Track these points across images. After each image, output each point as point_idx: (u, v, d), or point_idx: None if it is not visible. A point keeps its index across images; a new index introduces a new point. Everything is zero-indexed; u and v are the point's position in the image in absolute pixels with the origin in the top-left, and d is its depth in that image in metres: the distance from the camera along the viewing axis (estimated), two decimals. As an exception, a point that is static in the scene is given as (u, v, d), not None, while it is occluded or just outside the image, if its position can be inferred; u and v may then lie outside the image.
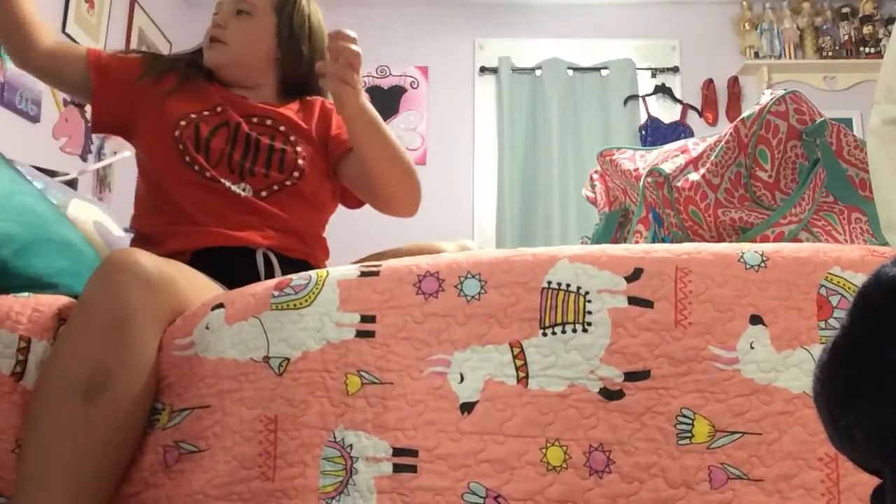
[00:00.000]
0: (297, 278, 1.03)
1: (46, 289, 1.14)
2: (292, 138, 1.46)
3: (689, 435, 0.93)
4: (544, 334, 0.97)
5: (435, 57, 4.17)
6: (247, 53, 1.49)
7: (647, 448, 0.93)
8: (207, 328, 1.02)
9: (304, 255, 1.43)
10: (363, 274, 1.02)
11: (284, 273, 1.33)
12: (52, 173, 2.16)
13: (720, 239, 1.32)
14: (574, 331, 0.97)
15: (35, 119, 2.58)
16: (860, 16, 4.11)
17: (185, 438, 0.99)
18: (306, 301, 0.99)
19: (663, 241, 1.39)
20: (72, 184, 2.34)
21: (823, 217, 1.28)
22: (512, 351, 0.97)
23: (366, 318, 0.99)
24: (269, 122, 1.46)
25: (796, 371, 0.94)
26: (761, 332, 0.96)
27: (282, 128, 1.46)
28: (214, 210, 1.36)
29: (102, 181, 3.06)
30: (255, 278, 1.31)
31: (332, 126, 1.52)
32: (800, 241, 1.24)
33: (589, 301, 0.98)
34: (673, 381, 0.95)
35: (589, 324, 0.97)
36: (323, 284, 1.01)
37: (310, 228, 1.47)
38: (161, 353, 1.02)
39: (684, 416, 0.94)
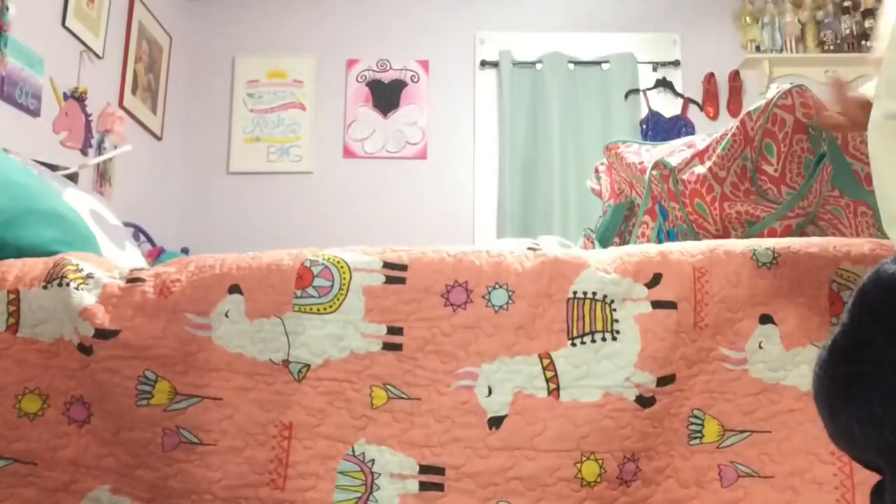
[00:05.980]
0: (320, 276, 1.00)
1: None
2: None
3: (699, 435, 0.93)
4: (573, 344, 0.95)
5: (435, 51, 4.16)
6: None
7: (664, 451, 0.93)
8: (227, 316, 0.98)
9: None
10: (388, 280, 0.99)
11: None
12: (52, 167, 2.16)
13: (725, 232, 1.31)
14: (604, 339, 0.95)
15: (35, 113, 2.57)
16: (862, 9, 4.09)
17: (188, 426, 0.96)
18: (330, 307, 0.97)
19: (668, 233, 1.39)
20: (72, 178, 2.33)
21: (830, 211, 1.27)
22: (541, 362, 0.95)
23: (392, 330, 0.96)
24: None
25: (805, 368, 0.94)
26: (771, 331, 0.95)
27: None
28: None
29: (103, 175, 3.05)
30: None
31: None
32: (806, 234, 1.23)
33: (614, 310, 0.97)
34: (686, 382, 0.94)
35: (617, 332, 0.96)
36: (347, 290, 0.98)
37: None
38: (167, 321, 0.98)
39: (695, 416, 0.94)
